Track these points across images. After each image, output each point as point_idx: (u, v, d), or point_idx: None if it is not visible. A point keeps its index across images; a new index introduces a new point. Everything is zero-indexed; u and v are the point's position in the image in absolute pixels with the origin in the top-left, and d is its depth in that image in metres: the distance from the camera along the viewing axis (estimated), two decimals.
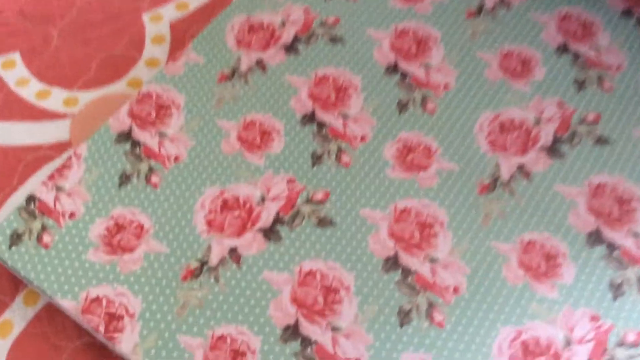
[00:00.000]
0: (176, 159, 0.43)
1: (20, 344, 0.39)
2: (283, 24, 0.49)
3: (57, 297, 0.38)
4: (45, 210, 0.40)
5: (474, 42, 0.48)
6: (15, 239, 0.39)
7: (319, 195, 0.42)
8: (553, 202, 0.41)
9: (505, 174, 0.42)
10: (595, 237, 0.40)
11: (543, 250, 0.40)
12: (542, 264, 0.39)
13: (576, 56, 0.47)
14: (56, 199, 0.41)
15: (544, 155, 0.43)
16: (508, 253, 0.40)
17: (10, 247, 0.39)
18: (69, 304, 0.38)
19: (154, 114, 0.44)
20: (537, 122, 0.44)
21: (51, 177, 0.42)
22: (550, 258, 0.39)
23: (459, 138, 0.44)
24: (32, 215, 0.40)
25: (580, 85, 0.46)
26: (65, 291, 0.38)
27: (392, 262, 0.39)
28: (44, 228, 0.40)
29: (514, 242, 0.40)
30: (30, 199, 0.41)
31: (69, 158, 0.42)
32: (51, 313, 0.40)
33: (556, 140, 0.44)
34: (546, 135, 0.44)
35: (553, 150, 0.43)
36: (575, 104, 0.45)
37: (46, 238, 0.39)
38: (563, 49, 0.48)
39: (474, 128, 0.44)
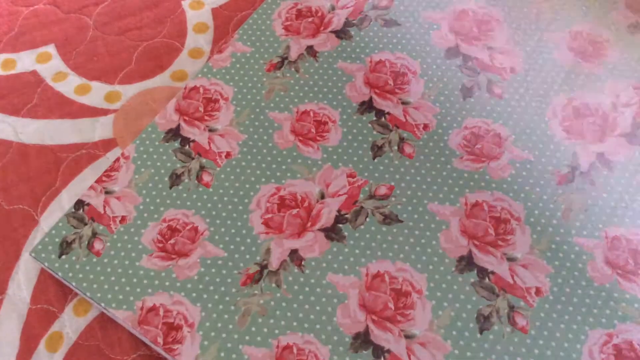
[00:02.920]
0: (227, 155, 0.40)
1: (72, 358, 0.36)
2: (333, 8, 0.46)
3: (112, 307, 0.35)
4: (95, 216, 0.38)
5: (539, 23, 0.45)
6: (65, 247, 0.37)
7: (383, 190, 0.39)
8: (638, 193, 0.38)
9: (584, 163, 0.39)
10: None
11: (630, 246, 0.37)
12: (629, 261, 0.36)
13: None
14: (106, 203, 0.38)
15: (624, 143, 0.40)
16: (593, 250, 0.37)
17: (60, 256, 0.37)
18: (124, 315, 0.35)
19: (201, 108, 0.42)
20: (614, 106, 0.41)
21: (99, 180, 0.39)
22: (638, 254, 0.36)
23: (531, 124, 0.41)
24: (82, 221, 0.38)
25: None
26: (120, 301, 0.35)
27: (466, 262, 0.37)
28: (94, 234, 0.37)
29: (599, 238, 0.37)
30: (79, 203, 0.38)
31: (117, 160, 0.40)
32: (103, 324, 0.37)
33: (636, 127, 0.40)
34: (624, 120, 0.41)
35: (633, 137, 0.40)
36: None
37: (97, 245, 0.37)
38: (634, 26, 0.44)
39: (547, 113, 0.41)
